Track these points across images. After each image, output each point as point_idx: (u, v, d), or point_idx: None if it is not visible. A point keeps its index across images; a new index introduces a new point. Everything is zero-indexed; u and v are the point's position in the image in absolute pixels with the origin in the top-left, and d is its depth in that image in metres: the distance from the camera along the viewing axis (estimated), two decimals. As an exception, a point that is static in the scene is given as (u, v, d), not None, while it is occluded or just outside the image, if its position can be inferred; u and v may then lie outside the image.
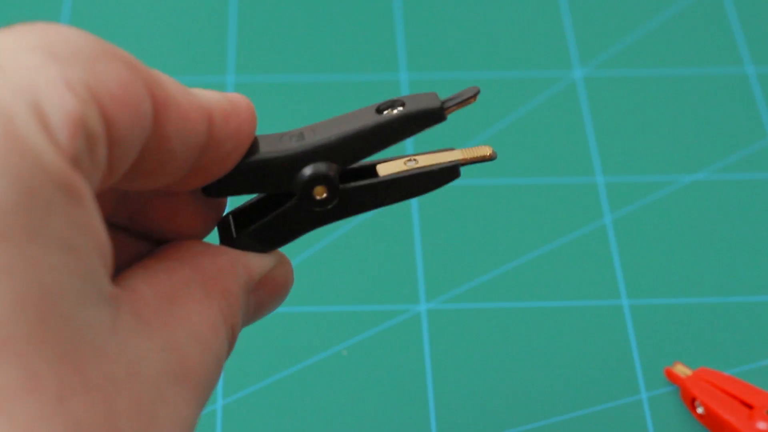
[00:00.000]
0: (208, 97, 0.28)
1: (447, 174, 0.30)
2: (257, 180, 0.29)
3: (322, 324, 0.45)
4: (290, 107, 0.53)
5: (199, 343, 0.27)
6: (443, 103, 0.30)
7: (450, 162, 0.30)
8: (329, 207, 0.30)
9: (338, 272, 0.47)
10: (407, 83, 0.53)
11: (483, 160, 0.31)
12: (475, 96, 0.30)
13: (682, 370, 0.43)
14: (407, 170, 0.30)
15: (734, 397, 0.42)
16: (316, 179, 0.29)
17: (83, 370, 0.23)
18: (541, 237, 0.48)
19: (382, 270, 0.47)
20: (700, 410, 0.42)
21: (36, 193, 0.23)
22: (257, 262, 0.30)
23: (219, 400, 0.43)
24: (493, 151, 0.31)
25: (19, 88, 0.24)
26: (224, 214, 0.32)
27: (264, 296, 0.31)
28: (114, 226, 0.30)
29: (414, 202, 0.49)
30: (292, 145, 0.29)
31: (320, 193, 0.30)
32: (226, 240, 0.31)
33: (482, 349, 0.45)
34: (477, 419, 0.43)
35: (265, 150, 0.29)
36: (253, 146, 0.29)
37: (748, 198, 0.49)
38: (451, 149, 0.31)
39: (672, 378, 0.43)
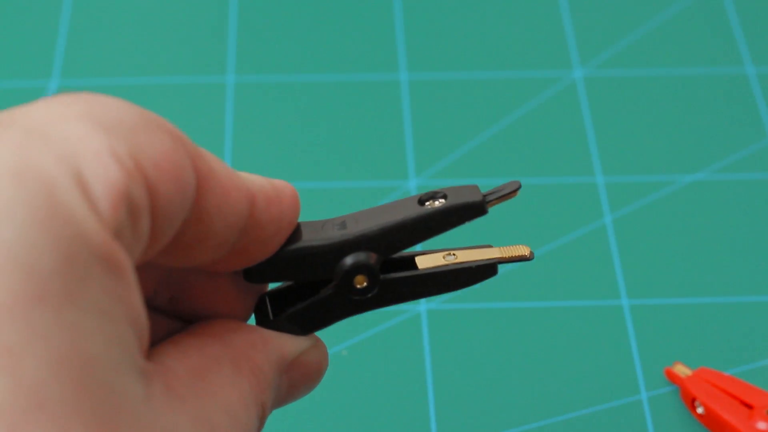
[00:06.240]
0: (252, 179, 0.28)
1: (485, 271, 0.31)
2: (299, 267, 0.30)
3: (322, 324, 0.45)
4: (290, 107, 0.53)
5: (229, 416, 0.27)
6: (485, 196, 0.30)
7: (488, 260, 0.31)
8: (368, 296, 0.30)
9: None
10: (407, 83, 0.53)
11: (521, 260, 0.31)
12: (516, 191, 0.30)
13: (682, 370, 0.43)
14: (446, 265, 0.31)
15: (734, 397, 0.42)
16: (358, 268, 0.30)
17: None
18: (541, 237, 0.48)
19: (382, 270, 0.47)
20: (700, 410, 0.42)
21: (74, 261, 0.22)
22: (291, 343, 0.30)
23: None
24: (531, 252, 0.31)
25: (62, 157, 0.23)
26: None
27: (297, 378, 0.30)
28: (154, 308, 0.30)
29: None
30: (335, 234, 0.30)
31: (360, 282, 0.30)
32: (262, 321, 0.31)
33: (482, 349, 0.45)
34: (477, 419, 0.43)
35: (308, 237, 0.30)
36: (296, 233, 0.30)
37: (748, 198, 0.49)
38: (489, 246, 0.31)
39: (672, 378, 0.43)
